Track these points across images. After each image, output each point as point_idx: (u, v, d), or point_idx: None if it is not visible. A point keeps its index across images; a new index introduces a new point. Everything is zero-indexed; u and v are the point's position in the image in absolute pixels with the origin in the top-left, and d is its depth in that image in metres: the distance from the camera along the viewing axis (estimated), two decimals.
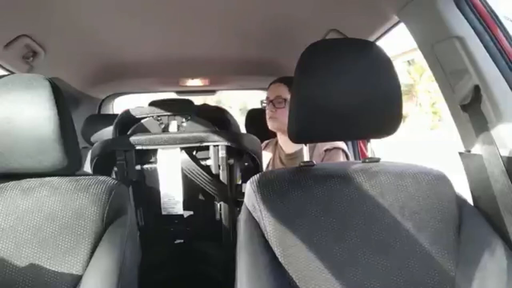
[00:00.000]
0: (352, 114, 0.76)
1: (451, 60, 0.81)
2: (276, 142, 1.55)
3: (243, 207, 0.82)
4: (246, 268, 0.69)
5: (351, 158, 1.65)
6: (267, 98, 1.48)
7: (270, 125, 1.47)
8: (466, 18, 0.78)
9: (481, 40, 0.77)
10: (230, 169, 1.26)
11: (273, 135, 1.56)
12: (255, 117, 1.87)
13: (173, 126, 1.27)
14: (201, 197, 1.33)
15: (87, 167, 1.30)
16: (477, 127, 0.77)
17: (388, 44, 1.14)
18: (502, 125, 0.75)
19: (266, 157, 1.55)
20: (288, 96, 1.41)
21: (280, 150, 1.52)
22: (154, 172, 1.25)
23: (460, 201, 0.77)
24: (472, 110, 0.78)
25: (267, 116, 1.47)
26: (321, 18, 1.22)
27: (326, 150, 1.36)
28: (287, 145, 1.48)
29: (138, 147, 1.19)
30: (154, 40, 1.43)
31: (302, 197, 0.76)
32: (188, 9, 1.15)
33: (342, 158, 1.36)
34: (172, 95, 2.15)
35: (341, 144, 1.41)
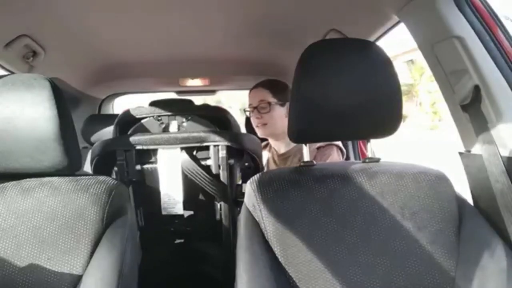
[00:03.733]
0: (352, 114, 0.76)
1: (451, 60, 0.81)
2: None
3: (243, 207, 0.82)
4: (246, 268, 0.69)
5: (351, 156, 1.65)
6: (250, 105, 1.44)
7: (260, 132, 1.43)
8: (466, 18, 0.78)
9: (481, 40, 0.77)
10: (230, 169, 1.26)
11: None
12: None
13: (173, 126, 1.27)
14: (201, 197, 1.33)
15: (87, 167, 1.30)
16: (477, 127, 0.77)
17: (388, 45, 1.14)
18: (502, 125, 0.75)
19: (266, 157, 1.55)
20: (271, 99, 1.38)
21: (273, 151, 1.51)
22: (154, 172, 1.25)
23: (460, 201, 0.77)
24: (472, 110, 0.78)
25: (254, 124, 1.44)
26: (321, 18, 1.22)
27: (318, 148, 1.33)
28: (279, 146, 1.47)
29: (138, 147, 1.19)
30: (154, 40, 1.43)
31: (302, 197, 0.76)
32: (188, 9, 1.15)
33: (336, 154, 1.33)
34: (172, 95, 2.15)
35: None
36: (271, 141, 1.51)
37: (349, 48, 0.79)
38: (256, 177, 0.81)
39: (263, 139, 1.57)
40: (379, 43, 1.17)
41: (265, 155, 1.54)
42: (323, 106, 0.76)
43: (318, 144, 1.34)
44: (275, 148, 1.50)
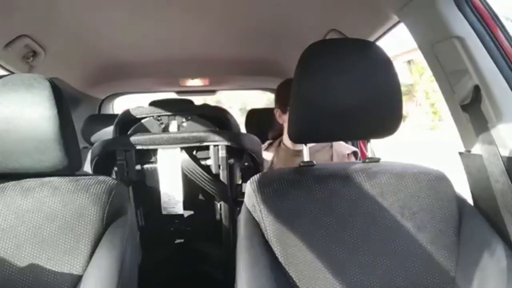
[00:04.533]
0: (352, 114, 0.76)
1: (451, 60, 0.81)
2: (279, 143, 1.53)
3: (243, 207, 0.82)
4: (246, 268, 0.69)
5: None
6: None
7: None
8: (466, 18, 0.78)
9: (481, 40, 0.77)
10: (230, 169, 1.26)
11: (278, 135, 1.54)
12: (255, 117, 1.87)
13: (173, 126, 1.27)
14: (201, 197, 1.33)
15: (87, 167, 1.30)
16: (477, 127, 0.77)
17: (388, 45, 1.14)
18: (502, 125, 0.75)
19: (267, 157, 1.53)
20: None
21: (282, 147, 1.49)
22: (154, 172, 1.25)
23: (460, 201, 0.77)
24: (472, 110, 0.78)
25: None
26: (321, 18, 1.22)
27: (348, 154, 1.34)
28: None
29: (138, 147, 1.19)
30: (154, 40, 1.43)
31: (302, 197, 0.76)
32: (188, 9, 1.15)
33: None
34: (172, 95, 2.15)
35: (352, 147, 1.41)
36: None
37: (349, 48, 0.79)
38: (256, 177, 0.81)
39: (264, 139, 1.56)
40: (379, 43, 1.17)
41: (267, 155, 1.53)
42: (323, 106, 0.76)
43: (346, 151, 1.35)
44: (286, 144, 1.46)
